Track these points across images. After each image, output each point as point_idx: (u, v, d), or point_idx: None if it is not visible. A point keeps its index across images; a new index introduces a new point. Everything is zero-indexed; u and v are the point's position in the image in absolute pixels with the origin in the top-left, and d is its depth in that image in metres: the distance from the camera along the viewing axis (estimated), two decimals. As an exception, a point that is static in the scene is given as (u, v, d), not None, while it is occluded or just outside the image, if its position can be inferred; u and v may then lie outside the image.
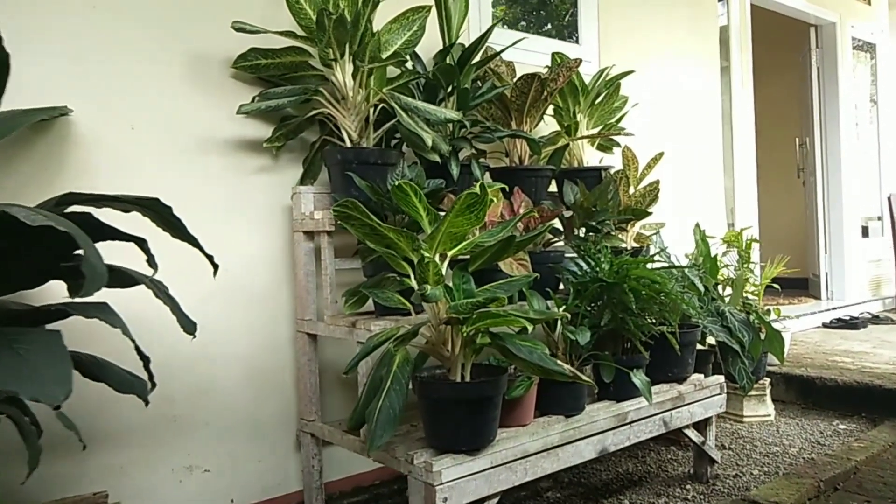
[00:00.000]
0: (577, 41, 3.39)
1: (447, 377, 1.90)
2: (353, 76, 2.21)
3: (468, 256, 1.97)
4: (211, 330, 2.22)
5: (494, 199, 1.80)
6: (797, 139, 6.01)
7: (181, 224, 1.57)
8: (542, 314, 1.85)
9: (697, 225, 2.83)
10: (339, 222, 1.80)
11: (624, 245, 2.75)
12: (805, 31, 5.75)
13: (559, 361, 1.81)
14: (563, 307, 2.19)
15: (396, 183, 1.80)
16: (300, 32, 2.20)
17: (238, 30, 2.13)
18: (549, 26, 3.46)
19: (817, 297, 5.82)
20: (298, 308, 2.32)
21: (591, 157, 3.04)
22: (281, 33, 2.17)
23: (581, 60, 2.66)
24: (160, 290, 1.61)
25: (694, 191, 4.02)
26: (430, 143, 2.15)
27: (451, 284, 1.91)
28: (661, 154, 2.83)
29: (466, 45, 2.45)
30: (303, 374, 2.32)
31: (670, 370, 2.51)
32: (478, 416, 1.81)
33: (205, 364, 2.21)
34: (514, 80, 2.48)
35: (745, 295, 3.23)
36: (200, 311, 2.20)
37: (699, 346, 2.92)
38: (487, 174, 2.72)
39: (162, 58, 2.15)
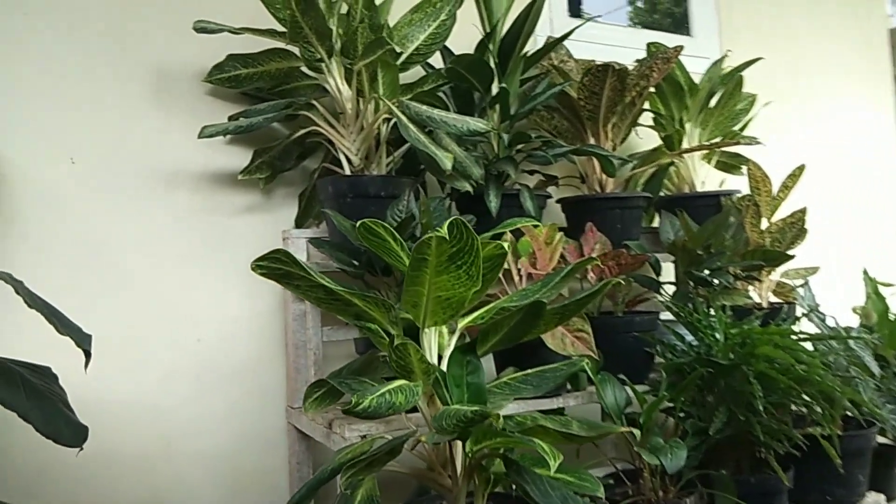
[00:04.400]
0: (688, 32, 2.64)
1: (447, 520, 1.23)
2: (348, 81, 1.65)
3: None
4: (176, 418, 1.71)
5: (507, 243, 1.15)
6: None
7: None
8: (594, 429, 1.14)
9: (866, 272, 1.97)
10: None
11: (755, 302, 1.95)
12: None
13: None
14: (648, 405, 1.45)
15: (362, 222, 1.19)
16: (281, 29, 1.67)
17: (199, 30, 1.63)
18: (662, 17, 2.74)
19: None
20: (289, 392, 1.76)
21: (709, 179, 2.26)
22: (256, 31, 1.65)
23: (682, 47, 1.93)
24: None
25: (865, 219, 3.04)
26: (448, 164, 1.52)
27: (456, 373, 1.26)
28: (801, 168, 2.01)
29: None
30: (293, 481, 1.73)
31: (829, 491, 1.67)
32: (487, 592, 1.13)
33: (165, 464, 1.69)
34: (581, 76, 1.80)
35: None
36: (161, 393, 1.70)
37: (881, 440, 2.03)
38: (558, 206, 2.05)
39: (116, 74, 1.70)
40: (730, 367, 1.48)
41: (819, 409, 1.56)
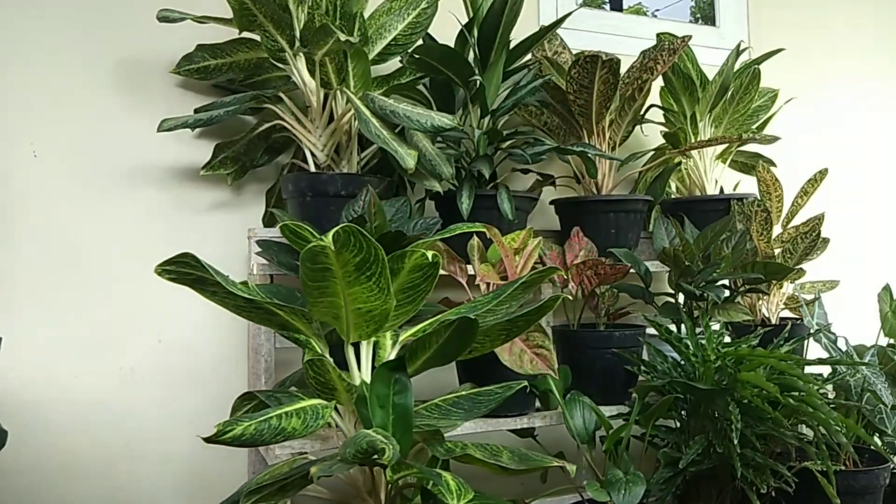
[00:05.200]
0: (713, 23, 2.45)
1: (373, 550, 1.14)
2: (311, 72, 1.56)
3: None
4: (136, 420, 1.66)
5: (437, 253, 1.03)
6: None
7: None
8: (525, 462, 1.03)
9: (887, 288, 1.76)
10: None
11: (763, 317, 1.78)
12: None
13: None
14: (613, 431, 1.32)
15: (284, 223, 1.10)
16: (246, 17, 1.59)
17: (162, 19, 1.57)
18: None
19: None
20: (249, 396, 1.69)
21: (725, 181, 2.08)
22: (220, 20, 1.58)
23: (690, 37, 1.77)
24: None
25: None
26: (410, 163, 1.42)
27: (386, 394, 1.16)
28: (823, 172, 1.81)
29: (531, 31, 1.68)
30: (251, 490, 1.66)
31: (831, 534, 1.49)
32: None
33: (124, 467, 1.65)
34: (569, 68, 1.66)
35: None
36: (120, 394, 1.66)
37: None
38: (552, 208, 1.92)
39: (82, 63, 1.66)
40: (711, 393, 1.33)
41: (815, 442, 1.39)
